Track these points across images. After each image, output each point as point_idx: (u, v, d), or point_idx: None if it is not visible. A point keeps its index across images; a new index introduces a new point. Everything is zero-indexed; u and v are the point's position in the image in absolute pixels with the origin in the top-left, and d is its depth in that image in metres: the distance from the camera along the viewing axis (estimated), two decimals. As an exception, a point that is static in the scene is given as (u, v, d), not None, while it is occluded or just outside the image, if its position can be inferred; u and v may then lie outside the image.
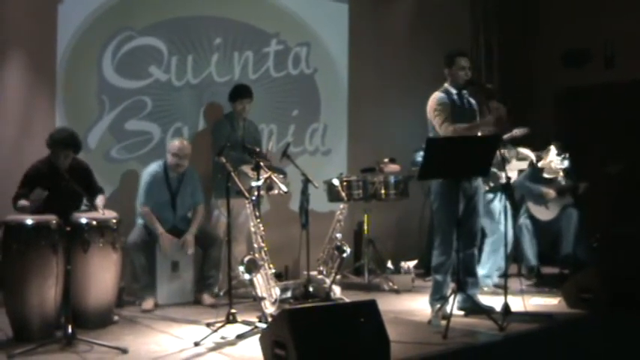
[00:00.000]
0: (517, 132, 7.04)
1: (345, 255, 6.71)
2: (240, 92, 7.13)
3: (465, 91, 6.09)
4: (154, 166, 6.67)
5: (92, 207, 5.60)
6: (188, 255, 6.58)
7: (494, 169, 6.33)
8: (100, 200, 5.82)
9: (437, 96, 6.01)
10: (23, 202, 5.42)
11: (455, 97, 6.02)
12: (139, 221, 6.58)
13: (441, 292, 5.91)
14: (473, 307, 5.89)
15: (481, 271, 6.76)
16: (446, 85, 6.09)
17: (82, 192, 5.39)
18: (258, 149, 6.49)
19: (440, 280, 5.94)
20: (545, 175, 7.62)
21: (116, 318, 5.81)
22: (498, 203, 7.04)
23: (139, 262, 6.37)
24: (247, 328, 5.39)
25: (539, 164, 7.36)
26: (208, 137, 7.25)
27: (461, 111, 6.00)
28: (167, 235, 6.48)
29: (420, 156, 6.64)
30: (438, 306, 5.79)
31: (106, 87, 6.87)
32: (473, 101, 6.19)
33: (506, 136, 6.88)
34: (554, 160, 7.37)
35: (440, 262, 5.95)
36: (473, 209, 6.02)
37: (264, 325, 5.27)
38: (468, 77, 6.06)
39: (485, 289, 6.83)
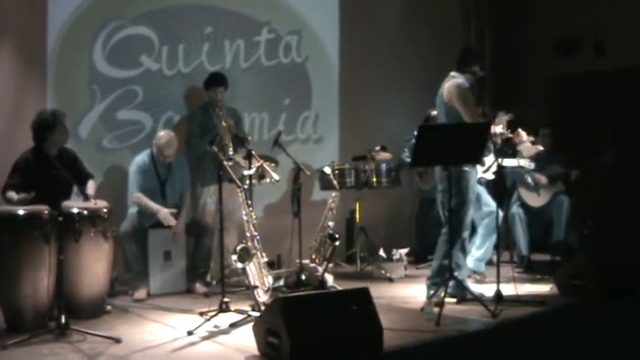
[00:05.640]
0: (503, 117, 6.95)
1: (337, 243, 6.72)
2: (213, 80, 7.03)
3: None
4: (141, 157, 6.67)
5: (83, 195, 5.57)
6: (180, 244, 6.58)
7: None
8: (90, 187, 5.79)
9: (460, 83, 6.02)
10: (12, 194, 5.37)
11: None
12: (131, 210, 6.57)
13: (443, 277, 5.80)
14: (463, 294, 5.89)
15: (476, 252, 6.72)
16: (465, 76, 6.11)
17: (73, 180, 5.38)
18: (250, 137, 6.47)
19: (446, 265, 5.82)
20: (525, 155, 7.54)
21: (109, 308, 5.81)
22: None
23: (131, 251, 6.37)
24: (240, 316, 5.40)
25: (519, 147, 7.25)
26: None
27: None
28: (165, 210, 6.48)
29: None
30: (432, 292, 5.80)
31: (97, 76, 6.85)
32: None
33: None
34: (527, 139, 7.27)
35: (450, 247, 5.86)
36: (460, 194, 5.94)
37: (257, 314, 5.28)
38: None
39: (479, 275, 6.84)
